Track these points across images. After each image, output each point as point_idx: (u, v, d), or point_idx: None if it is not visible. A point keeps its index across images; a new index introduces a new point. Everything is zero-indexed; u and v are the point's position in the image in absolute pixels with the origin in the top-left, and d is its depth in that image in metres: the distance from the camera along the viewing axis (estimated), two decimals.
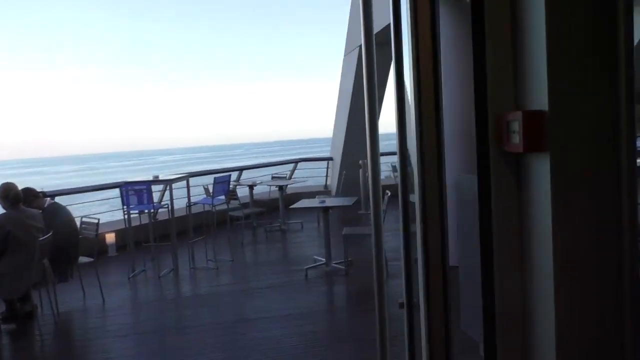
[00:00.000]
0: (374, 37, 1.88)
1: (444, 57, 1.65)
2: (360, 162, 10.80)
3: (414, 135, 1.76)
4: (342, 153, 11.24)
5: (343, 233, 6.56)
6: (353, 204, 7.07)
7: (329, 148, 12.75)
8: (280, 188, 9.93)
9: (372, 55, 1.87)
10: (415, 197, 1.75)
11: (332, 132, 12.48)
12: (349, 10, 10.33)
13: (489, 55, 1.53)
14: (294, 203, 11.96)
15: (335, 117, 11.84)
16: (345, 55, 10.70)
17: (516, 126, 1.45)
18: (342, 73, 11.09)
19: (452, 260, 1.72)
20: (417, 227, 1.70)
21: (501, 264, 1.58)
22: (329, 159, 12.31)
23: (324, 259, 6.83)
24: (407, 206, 1.86)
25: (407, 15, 1.68)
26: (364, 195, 10.91)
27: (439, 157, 1.60)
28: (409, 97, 1.84)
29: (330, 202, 6.74)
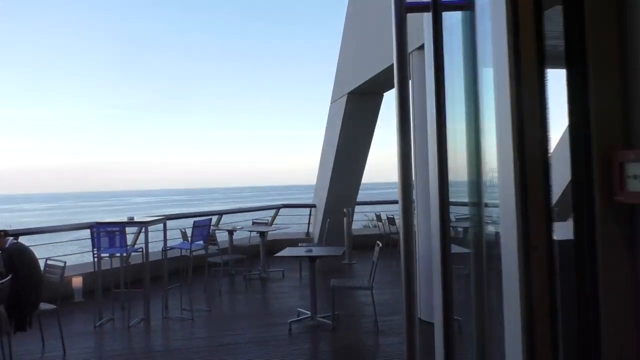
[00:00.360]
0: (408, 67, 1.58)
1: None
2: (345, 210, 10.51)
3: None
4: (327, 201, 10.94)
5: (331, 285, 6.16)
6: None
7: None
8: (262, 234, 9.52)
9: (407, 93, 1.57)
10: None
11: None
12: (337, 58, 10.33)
13: (592, 81, 1.24)
14: (275, 250, 11.60)
15: (320, 164, 11.61)
16: (332, 103, 10.59)
17: (637, 169, 1.14)
18: (328, 120, 10.96)
19: None
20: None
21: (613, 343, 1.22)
22: (312, 206, 11.99)
23: (308, 312, 6.40)
24: (447, 258, 1.55)
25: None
26: (347, 245, 10.55)
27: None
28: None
29: (317, 251, 6.37)
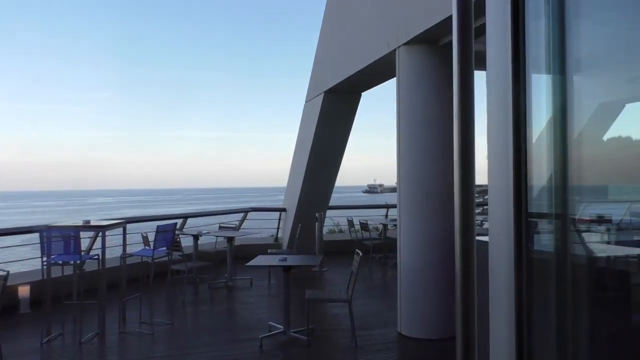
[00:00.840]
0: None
1: None
2: (317, 215, 10.05)
3: None
4: (298, 205, 10.45)
5: (307, 297, 5.67)
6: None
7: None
8: (229, 239, 8.95)
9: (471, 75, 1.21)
10: None
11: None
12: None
13: None
14: (242, 256, 11.03)
15: (292, 166, 11.12)
16: (307, 102, 10.12)
17: None
18: (302, 120, 10.48)
19: None
20: None
21: None
22: (282, 209, 11.48)
23: (281, 326, 5.89)
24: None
25: None
26: (318, 251, 10.09)
27: None
28: None
29: (292, 260, 5.88)
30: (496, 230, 1.66)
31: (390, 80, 8.57)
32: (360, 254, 5.74)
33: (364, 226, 10.75)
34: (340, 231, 15.61)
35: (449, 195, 5.96)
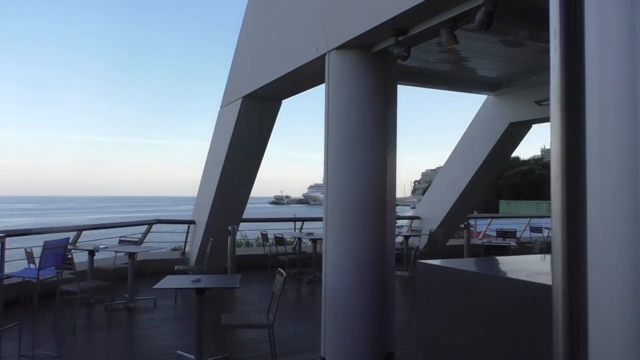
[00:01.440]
0: None
1: None
2: (230, 228, 9.38)
3: None
4: (209, 217, 9.71)
5: (223, 324, 5.04)
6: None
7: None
8: (130, 255, 8.02)
9: None
10: None
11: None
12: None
13: None
14: (145, 272, 10.05)
15: (203, 176, 10.36)
16: (222, 107, 9.46)
17: None
18: (216, 126, 9.78)
19: None
20: None
21: None
22: (190, 222, 10.66)
23: (191, 356, 5.20)
24: None
25: None
26: (230, 267, 9.42)
27: None
28: None
29: (207, 281, 5.21)
30: None
31: (309, 90, 8.21)
32: (284, 274, 5.22)
33: (280, 240, 10.24)
34: (248, 244, 15.02)
35: (380, 210, 5.67)
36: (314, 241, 10.26)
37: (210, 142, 10.07)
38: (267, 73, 7.58)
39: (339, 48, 5.52)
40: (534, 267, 3.61)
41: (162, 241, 11.49)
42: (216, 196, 9.41)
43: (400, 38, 4.94)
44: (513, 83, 10.43)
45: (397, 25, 4.88)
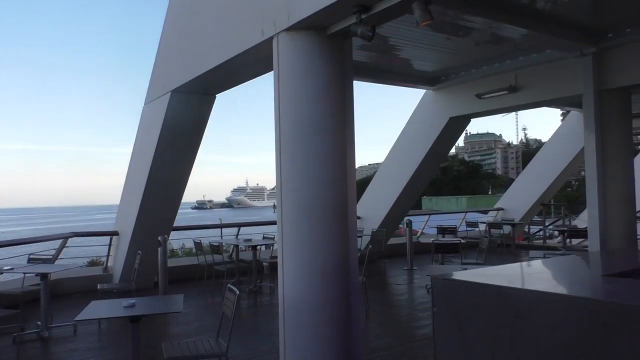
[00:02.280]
0: None
1: None
2: (160, 238, 8.40)
3: None
4: (135, 227, 8.65)
5: (166, 357, 4.18)
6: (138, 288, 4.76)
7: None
8: (43, 276, 6.85)
9: None
10: None
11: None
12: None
13: None
14: (61, 293, 8.81)
15: (127, 181, 9.25)
16: (147, 103, 8.44)
17: None
18: (140, 125, 8.74)
19: None
20: None
21: None
22: (113, 233, 9.50)
23: None
24: None
25: None
26: (162, 282, 8.44)
27: None
28: None
29: (144, 306, 4.33)
30: None
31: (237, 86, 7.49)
32: (237, 292, 4.46)
33: (216, 248, 9.36)
34: (174, 254, 13.92)
35: (342, 211, 5.04)
36: (254, 248, 9.48)
37: (133, 143, 9.00)
38: (199, 63, 6.74)
39: (289, 29, 4.84)
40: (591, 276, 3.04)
41: (78, 257, 10.22)
42: (143, 203, 8.38)
43: (363, 16, 4.36)
44: (452, 77, 10.26)
45: (360, 2, 4.30)
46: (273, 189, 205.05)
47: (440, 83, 10.51)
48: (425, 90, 11.06)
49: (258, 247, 9.59)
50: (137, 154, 8.83)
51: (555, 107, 13.56)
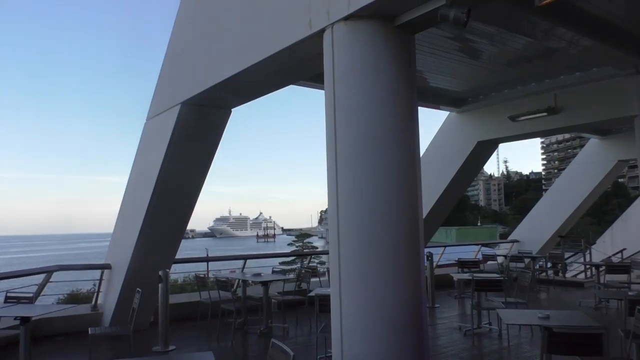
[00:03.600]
0: None
1: None
2: (161, 273, 7.27)
3: None
4: (132, 258, 7.52)
5: None
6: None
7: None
8: (24, 320, 5.67)
9: None
10: None
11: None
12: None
13: None
14: (43, 334, 7.60)
15: (123, 207, 8.15)
16: (150, 119, 7.42)
17: None
18: (142, 143, 7.70)
19: None
20: None
21: None
22: (105, 266, 8.32)
23: None
24: None
25: None
26: (163, 325, 7.27)
27: None
28: None
29: None
30: None
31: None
32: (292, 355, 3.40)
33: (223, 284, 8.21)
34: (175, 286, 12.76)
35: (414, 243, 4.01)
36: (265, 284, 8.37)
37: (132, 165, 7.93)
38: (213, 74, 5.82)
39: (348, 19, 3.94)
40: None
41: (63, 293, 9.00)
42: (143, 232, 7.27)
43: None
44: (481, 98, 9.48)
45: None
46: (256, 218, 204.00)
47: (467, 105, 9.73)
48: (448, 112, 10.26)
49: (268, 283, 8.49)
50: (136, 176, 7.76)
51: (575, 134, 12.97)
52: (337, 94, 3.98)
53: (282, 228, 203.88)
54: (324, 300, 6.12)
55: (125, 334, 6.25)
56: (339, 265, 3.85)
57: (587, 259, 13.81)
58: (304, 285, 9.99)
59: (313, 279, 9.98)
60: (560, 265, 13.93)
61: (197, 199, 7.41)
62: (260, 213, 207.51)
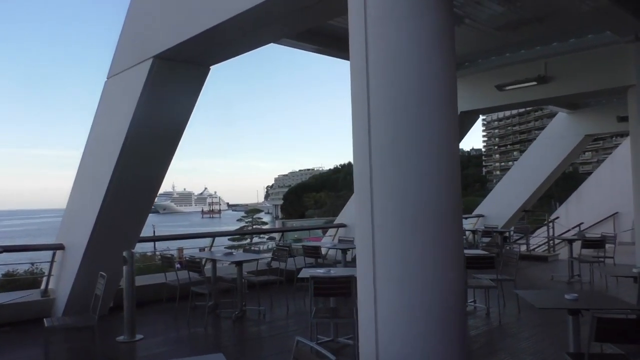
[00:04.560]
0: None
1: None
2: (125, 254, 6.40)
3: None
4: (92, 237, 6.58)
5: None
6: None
7: None
8: None
9: None
10: None
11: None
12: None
13: None
14: None
15: (77, 179, 7.12)
16: (113, 76, 6.39)
17: None
18: (101, 105, 6.66)
19: None
20: None
21: None
22: (57, 247, 7.30)
23: None
24: None
25: None
26: (128, 310, 6.43)
27: None
28: None
29: None
30: None
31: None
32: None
33: (195, 265, 7.42)
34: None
35: (456, 225, 3.12)
36: (239, 264, 7.64)
37: (89, 131, 6.89)
38: (190, 26, 4.98)
39: None
40: None
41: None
42: (104, 206, 6.32)
43: None
44: (466, 65, 9.01)
45: None
46: (201, 194, 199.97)
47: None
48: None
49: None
50: (95, 143, 6.74)
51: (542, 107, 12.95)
52: (370, 41, 3.29)
53: (228, 204, 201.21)
54: (319, 283, 5.53)
55: (88, 324, 5.39)
56: (373, 249, 3.22)
57: (550, 233, 13.95)
58: (274, 264, 9.36)
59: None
60: (526, 239, 13.97)
61: (168, 167, 6.52)
62: (205, 188, 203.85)
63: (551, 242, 13.98)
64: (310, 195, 78.42)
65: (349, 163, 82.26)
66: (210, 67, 6.05)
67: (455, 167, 3.35)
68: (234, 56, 5.98)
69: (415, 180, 3.16)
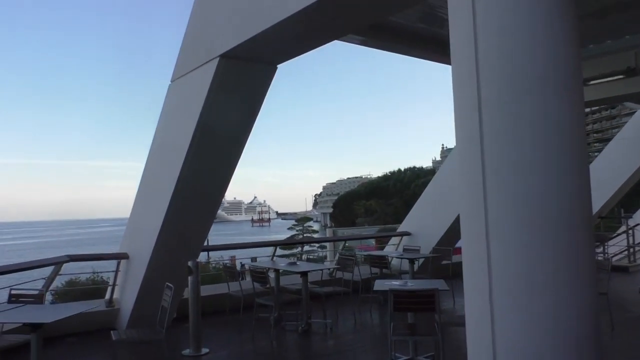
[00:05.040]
0: None
1: None
2: (190, 264, 6.14)
3: None
4: (156, 246, 6.37)
5: None
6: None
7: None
8: (35, 327, 4.53)
9: None
10: None
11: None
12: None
13: None
14: (46, 337, 6.47)
15: (141, 188, 6.97)
16: (178, 78, 6.19)
17: None
18: (165, 110, 6.49)
19: None
20: None
21: None
22: (121, 256, 7.16)
23: None
24: None
25: None
26: (194, 323, 6.15)
27: None
28: None
29: None
30: None
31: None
32: None
33: (260, 276, 7.09)
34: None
35: (585, 225, 2.81)
36: (304, 275, 7.27)
37: (152, 138, 6.72)
38: (258, 21, 4.69)
39: None
40: None
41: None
42: (169, 214, 6.10)
43: None
44: None
45: None
46: (251, 202, 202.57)
47: None
48: None
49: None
50: (159, 150, 6.55)
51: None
52: (481, 32, 2.84)
53: (277, 212, 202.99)
54: (399, 297, 5.05)
55: (156, 339, 5.14)
56: (489, 254, 2.74)
57: (630, 241, 12.89)
58: (337, 274, 8.93)
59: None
60: (603, 248, 12.95)
61: (233, 172, 6.22)
62: (255, 197, 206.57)
63: (631, 249, 12.89)
64: (360, 203, 77.61)
65: (399, 170, 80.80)
66: (277, 66, 5.73)
67: (584, 162, 2.85)
68: (301, 53, 5.65)
69: (541, 181, 2.67)
